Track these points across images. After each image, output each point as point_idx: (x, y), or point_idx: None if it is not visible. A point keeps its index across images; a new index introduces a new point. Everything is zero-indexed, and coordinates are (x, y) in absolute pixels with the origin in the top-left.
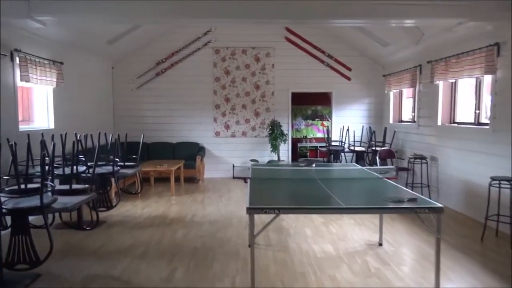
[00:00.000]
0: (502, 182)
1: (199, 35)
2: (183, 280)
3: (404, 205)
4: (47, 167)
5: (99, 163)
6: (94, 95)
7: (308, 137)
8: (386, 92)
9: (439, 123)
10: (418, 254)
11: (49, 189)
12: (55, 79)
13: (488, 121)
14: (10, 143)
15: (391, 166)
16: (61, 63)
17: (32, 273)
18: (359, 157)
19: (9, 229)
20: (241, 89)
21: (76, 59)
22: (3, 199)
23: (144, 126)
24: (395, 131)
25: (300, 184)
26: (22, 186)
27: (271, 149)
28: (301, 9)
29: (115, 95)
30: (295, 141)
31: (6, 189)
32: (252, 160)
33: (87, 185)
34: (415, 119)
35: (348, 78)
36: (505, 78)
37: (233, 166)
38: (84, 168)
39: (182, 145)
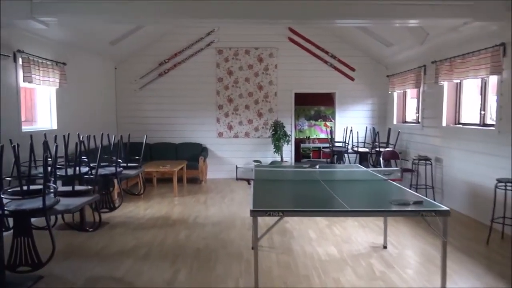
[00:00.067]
0: (508, 184)
1: (202, 36)
2: (186, 282)
3: (410, 208)
4: (49, 168)
5: (101, 164)
6: (97, 96)
7: (311, 137)
8: (390, 92)
9: (444, 124)
10: (423, 257)
11: (51, 191)
12: (58, 80)
13: (493, 122)
14: (12, 144)
15: (396, 168)
16: (64, 64)
17: (34, 275)
18: (363, 158)
19: (11, 231)
20: (244, 89)
21: (79, 59)
22: (5, 200)
23: (146, 126)
24: (399, 132)
25: (304, 185)
26: (25, 188)
27: (274, 149)
28: (304, 9)
29: (118, 96)
30: (298, 142)
31: (8, 190)
32: (255, 161)
33: (89, 186)
34: (419, 120)
35: (352, 79)
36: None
37: (237, 167)
38: (86, 169)
39: (185, 146)
